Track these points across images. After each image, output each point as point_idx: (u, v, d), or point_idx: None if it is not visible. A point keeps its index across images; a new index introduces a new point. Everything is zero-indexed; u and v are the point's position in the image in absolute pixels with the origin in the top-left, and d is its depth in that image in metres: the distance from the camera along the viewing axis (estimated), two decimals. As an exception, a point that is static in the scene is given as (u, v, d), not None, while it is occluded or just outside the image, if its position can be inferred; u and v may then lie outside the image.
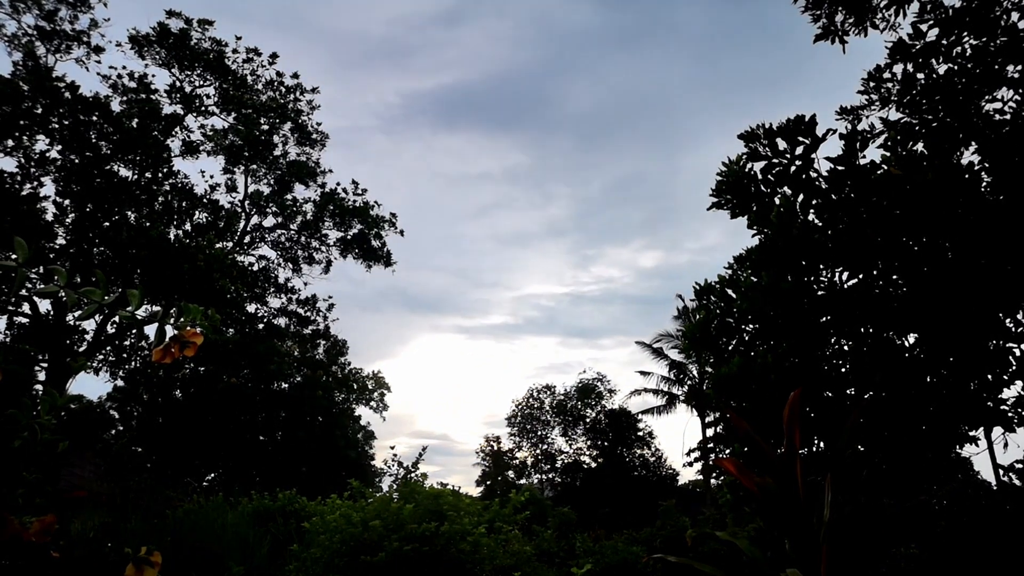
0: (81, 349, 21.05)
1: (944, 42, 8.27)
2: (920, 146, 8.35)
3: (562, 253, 53.86)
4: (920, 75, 8.49)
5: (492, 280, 59.49)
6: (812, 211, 8.57)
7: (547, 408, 39.68)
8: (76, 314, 1.55)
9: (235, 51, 23.60)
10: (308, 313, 27.34)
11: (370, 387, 30.68)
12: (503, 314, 58.49)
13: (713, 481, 30.14)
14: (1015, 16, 7.97)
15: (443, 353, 62.12)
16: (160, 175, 21.88)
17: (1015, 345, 7.71)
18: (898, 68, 8.64)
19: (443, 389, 66.35)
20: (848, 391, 8.43)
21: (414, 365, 65.31)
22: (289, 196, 26.38)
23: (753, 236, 9.06)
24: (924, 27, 8.36)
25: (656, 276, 51.75)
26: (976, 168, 7.97)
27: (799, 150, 8.57)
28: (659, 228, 58.68)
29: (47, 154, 19.56)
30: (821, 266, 8.70)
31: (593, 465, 37.73)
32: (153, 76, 26.10)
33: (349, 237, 26.80)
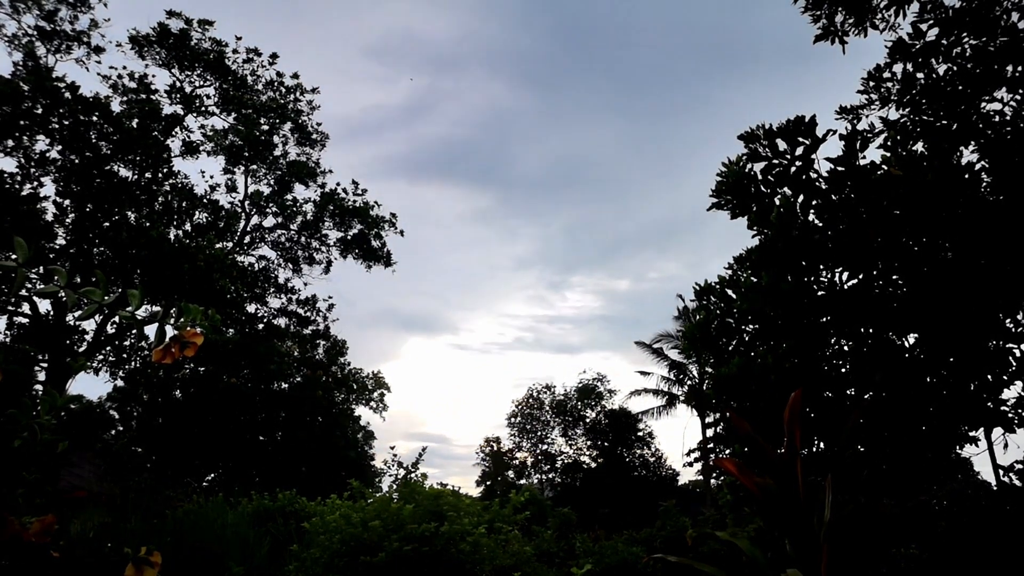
0: (81, 349, 21.05)
1: (944, 42, 8.27)
2: (920, 146, 8.35)
3: (533, 283, 58.47)
4: (920, 75, 8.49)
5: (474, 304, 63.06)
6: (812, 211, 8.57)
7: (547, 408, 39.67)
8: (76, 314, 1.55)
9: (235, 51, 23.61)
10: (308, 313, 27.33)
11: (370, 387, 30.67)
12: (490, 332, 64.60)
13: (713, 481, 30.13)
14: (1015, 16, 7.97)
15: (436, 361, 64.49)
16: (160, 175, 21.88)
17: (1015, 345, 7.71)
18: (898, 68, 8.64)
19: (439, 391, 67.54)
20: (848, 391, 8.43)
21: (409, 368, 66.75)
22: (289, 196, 26.38)
23: (753, 237, 9.06)
24: (924, 27, 8.36)
25: (625, 300, 56.06)
26: (976, 168, 7.97)
27: (799, 151, 8.57)
28: (619, 259, 62.66)
29: (47, 154, 19.56)
30: (821, 266, 8.70)
31: (593, 465, 37.73)
32: (153, 76, 26.10)
33: (349, 237, 26.80)
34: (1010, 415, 7.73)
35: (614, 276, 62.03)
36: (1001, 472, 9.23)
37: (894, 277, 8.34)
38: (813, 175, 8.62)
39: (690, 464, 34.72)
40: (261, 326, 25.83)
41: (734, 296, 9.08)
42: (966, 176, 7.88)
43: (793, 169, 8.64)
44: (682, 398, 34.52)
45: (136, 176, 20.89)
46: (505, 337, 64.24)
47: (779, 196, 8.78)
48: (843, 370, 8.50)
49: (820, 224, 8.46)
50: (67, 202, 20.06)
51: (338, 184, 26.66)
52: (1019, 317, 7.73)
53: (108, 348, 22.73)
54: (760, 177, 8.85)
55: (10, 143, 18.87)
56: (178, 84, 23.18)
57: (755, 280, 8.84)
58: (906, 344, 8.33)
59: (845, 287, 8.50)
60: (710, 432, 31.53)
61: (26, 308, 19.74)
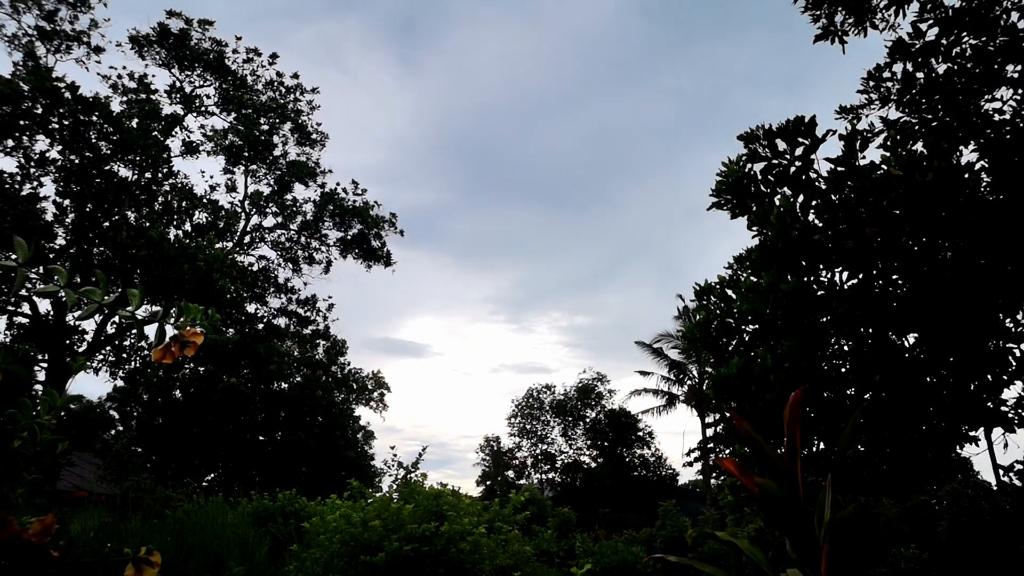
0: (81, 349, 21.06)
1: (944, 42, 8.27)
2: (920, 146, 8.35)
3: (504, 320, 65.40)
4: (920, 74, 8.49)
5: (461, 338, 65.63)
6: (812, 211, 8.57)
7: (547, 408, 39.66)
8: (76, 314, 1.54)
9: (235, 51, 23.63)
10: (308, 313, 27.34)
11: (370, 387, 30.66)
12: (479, 358, 67.72)
13: (713, 481, 30.13)
14: (1015, 16, 7.97)
15: (429, 370, 66.33)
16: (160, 175, 21.88)
17: (1015, 345, 7.71)
18: (898, 67, 8.65)
19: (436, 393, 68.63)
20: (848, 391, 8.43)
21: (405, 371, 68.02)
22: (289, 196, 26.38)
23: (753, 237, 9.06)
24: (924, 27, 8.36)
25: (588, 331, 63.45)
26: (976, 168, 7.97)
27: (799, 151, 8.57)
28: (579, 298, 69.46)
29: (47, 154, 19.56)
30: (821, 266, 8.70)
31: (593, 465, 37.72)
32: (153, 76, 26.15)
33: (349, 237, 26.80)
34: (1010, 415, 7.74)
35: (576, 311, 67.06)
36: (1001, 472, 9.24)
37: (894, 277, 8.34)
38: (813, 175, 8.62)
39: (690, 464, 34.76)
40: (261, 326, 25.83)
41: (734, 296, 9.09)
42: (966, 176, 7.88)
43: (793, 169, 8.64)
44: (682, 398, 34.51)
45: (136, 176, 20.89)
46: (493, 364, 68.93)
47: (779, 196, 8.78)
48: (843, 370, 8.50)
49: (820, 224, 8.46)
50: (67, 202, 20.07)
51: (338, 184, 26.70)
52: (1019, 317, 7.73)
53: (108, 348, 22.74)
54: (760, 177, 8.85)
55: (10, 143, 18.88)
56: (178, 84, 23.19)
57: (755, 280, 8.84)
58: (906, 344, 8.33)
59: (845, 287, 8.50)
60: (710, 432, 31.56)
61: (26, 308, 19.75)
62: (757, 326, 8.91)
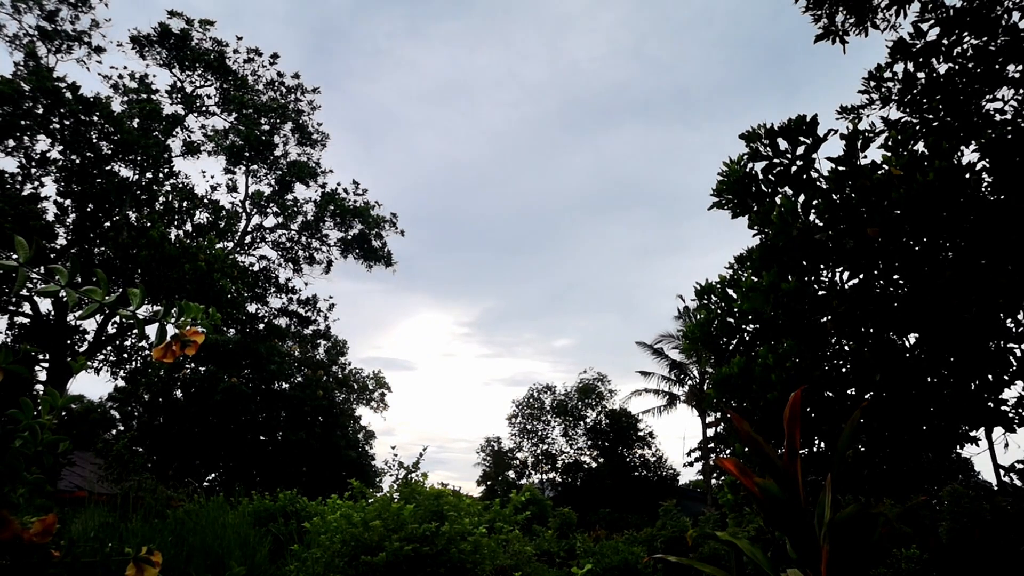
0: (82, 349, 21.07)
1: (945, 41, 8.27)
2: (920, 146, 8.35)
3: (481, 343, 68.14)
4: (921, 74, 8.48)
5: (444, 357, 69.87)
6: (813, 211, 8.57)
7: (547, 408, 39.66)
8: (77, 314, 1.54)
9: (236, 51, 23.63)
10: (308, 313, 27.34)
11: (370, 387, 30.67)
12: (469, 371, 69.92)
13: (714, 481, 30.13)
14: (1016, 16, 7.97)
15: (423, 382, 67.80)
16: (161, 175, 21.89)
17: (1015, 345, 7.71)
18: (899, 67, 8.64)
19: (435, 394, 69.47)
20: (848, 391, 8.43)
21: (400, 383, 69.13)
22: (290, 196, 26.39)
23: (754, 236, 9.06)
24: (925, 26, 8.35)
25: (570, 352, 66.24)
26: (977, 168, 7.97)
27: (800, 150, 8.57)
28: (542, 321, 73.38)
29: (48, 154, 19.57)
30: (822, 266, 8.70)
31: (593, 465, 37.72)
32: (154, 76, 26.09)
33: (350, 237, 26.81)
34: (1010, 415, 7.73)
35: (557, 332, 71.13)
36: (1002, 472, 9.24)
37: (894, 277, 8.34)
38: (814, 175, 8.62)
39: (690, 464, 34.79)
40: (261, 326, 25.83)
41: (734, 296, 9.08)
42: (967, 176, 7.87)
43: (794, 168, 8.64)
44: (682, 398, 34.52)
45: (137, 176, 20.90)
46: (485, 378, 71.15)
47: (780, 196, 8.78)
48: (843, 370, 8.50)
49: (821, 224, 8.46)
50: (68, 202, 20.08)
51: (338, 184, 26.70)
52: (1019, 317, 7.72)
53: (109, 348, 22.74)
54: (761, 176, 8.85)
55: (11, 143, 18.89)
56: (179, 84, 23.20)
57: (756, 280, 8.84)
58: (906, 344, 8.33)
59: (846, 287, 8.50)
60: (710, 432, 31.55)
61: (27, 308, 19.76)
62: (758, 326, 8.91)
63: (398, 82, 68.60)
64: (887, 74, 8.70)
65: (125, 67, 22.39)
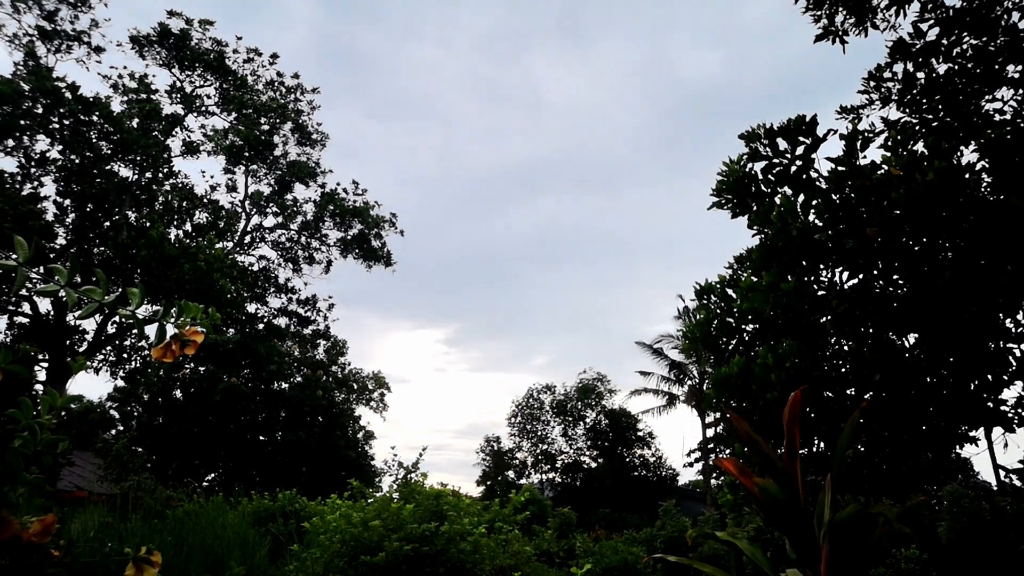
0: (81, 349, 21.06)
1: (944, 42, 8.27)
2: (920, 146, 8.35)
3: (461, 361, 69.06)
4: (920, 74, 8.49)
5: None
6: (812, 211, 8.57)
7: (547, 408, 39.65)
8: (76, 314, 1.54)
9: (235, 51, 23.63)
10: (308, 313, 27.34)
11: (370, 387, 30.65)
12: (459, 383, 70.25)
13: (713, 481, 30.12)
14: (1015, 16, 7.97)
15: (418, 392, 69.13)
16: (160, 175, 21.89)
17: (1015, 345, 7.71)
18: (898, 67, 8.64)
19: (431, 405, 70.16)
20: (848, 391, 8.43)
21: (397, 392, 70.21)
22: (289, 196, 26.39)
23: (753, 236, 9.06)
24: (924, 27, 8.36)
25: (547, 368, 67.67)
26: (976, 168, 7.97)
27: (800, 150, 8.57)
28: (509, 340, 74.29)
29: (47, 154, 19.58)
30: (821, 266, 8.70)
31: (593, 465, 37.71)
32: (154, 76, 26.14)
33: (349, 237, 26.81)
34: (1010, 415, 7.73)
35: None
36: (1001, 472, 9.24)
37: (894, 277, 8.34)
38: (814, 175, 8.62)
39: (690, 464, 34.74)
40: (261, 326, 25.83)
41: (734, 296, 9.09)
42: (966, 176, 7.88)
43: (794, 168, 8.65)
44: (682, 398, 34.52)
45: (136, 176, 20.90)
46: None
47: (779, 195, 8.78)
48: (843, 370, 8.50)
49: (820, 224, 8.46)
50: (67, 202, 20.08)
51: (338, 184, 26.70)
52: (1019, 317, 7.72)
53: (108, 348, 22.75)
54: (761, 176, 8.85)
55: (10, 143, 18.88)
56: (178, 84, 23.19)
57: (755, 280, 8.85)
58: (906, 344, 8.33)
59: (845, 287, 8.50)
60: (710, 432, 31.54)
61: (27, 308, 19.76)
62: (757, 326, 8.91)
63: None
64: (887, 74, 8.70)
65: (125, 67, 22.44)
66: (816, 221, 8.52)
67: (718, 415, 11.80)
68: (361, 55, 69.63)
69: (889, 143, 8.38)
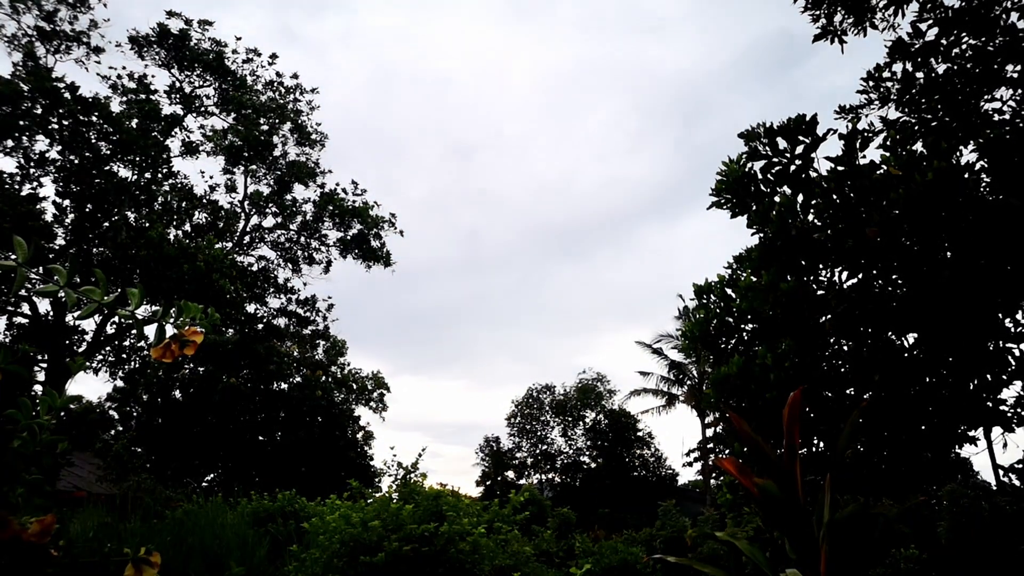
0: (81, 349, 21.05)
1: (943, 42, 8.28)
2: (919, 146, 8.35)
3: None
4: (919, 74, 8.49)
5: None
6: (812, 211, 8.57)
7: (547, 408, 39.64)
8: (76, 314, 1.54)
9: (235, 51, 23.62)
10: (308, 313, 27.32)
11: (370, 387, 30.64)
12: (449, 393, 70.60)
13: (713, 481, 30.13)
14: (1014, 16, 7.98)
15: (415, 397, 69.27)
16: (160, 175, 21.87)
17: (1014, 345, 7.71)
18: (898, 67, 8.65)
19: (432, 395, 70.14)
20: (847, 391, 8.44)
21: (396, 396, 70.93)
22: (289, 196, 26.37)
23: (752, 235, 9.07)
24: (923, 27, 8.36)
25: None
26: (975, 168, 7.97)
27: (799, 149, 8.57)
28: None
29: (47, 154, 19.55)
30: (821, 266, 8.70)
31: (593, 465, 37.71)
32: (153, 77, 26.14)
33: (349, 237, 26.79)
34: (1009, 415, 7.74)
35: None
36: (1001, 472, 9.24)
37: (893, 277, 8.34)
38: (813, 174, 8.63)
39: (690, 464, 34.76)
40: (261, 326, 25.81)
41: (734, 295, 9.09)
42: (966, 176, 7.88)
43: (793, 168, 8.65)
44: (682, 398, 34.53)
45: (136, 176, 20.88)
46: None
47: (779, 195, 8.78)
48: (842, 370, 8.50)
49: (820, 223, 8.47)
50: (67, 202, 20.06)
51: (337, 184, 26.68)
52: (1019, 317, 7.73)
53: (108, 348, 22.73)
54: (760, 176, 8.85)
55: (10, 143, 18.87)
56: (178, 84, 23.18)
57: (755, 279, 8.85)
58: (905, 344, 8.34)
59: (845, 286, 8.51)
60: (710, 432, 31.54)
61: (26, 308, 19.75)
62: (757, 325, 8.91)
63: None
64: (886, 74, 8.71)
65: (124, 67, 22.46)
66: (815, 221, 8.52)
67: (717, 415, 11.80)
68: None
69: (888, 143, 8.38)
